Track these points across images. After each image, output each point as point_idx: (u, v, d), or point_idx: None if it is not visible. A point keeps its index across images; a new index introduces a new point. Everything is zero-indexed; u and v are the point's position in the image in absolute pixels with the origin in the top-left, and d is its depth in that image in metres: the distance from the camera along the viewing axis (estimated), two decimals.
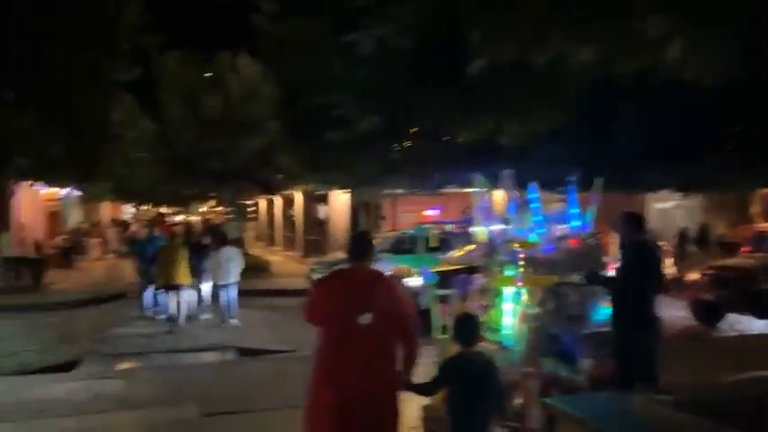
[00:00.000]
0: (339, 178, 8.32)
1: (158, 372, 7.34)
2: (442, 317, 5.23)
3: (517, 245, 5.13)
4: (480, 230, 5.69)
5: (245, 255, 19.17)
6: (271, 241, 29.80)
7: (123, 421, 5.48)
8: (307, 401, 3.33)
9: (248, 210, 19.24)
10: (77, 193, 24.80)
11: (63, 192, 23.73)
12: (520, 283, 5.01)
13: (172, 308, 10.19)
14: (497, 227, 5.51)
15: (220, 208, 43.92)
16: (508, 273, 5.16)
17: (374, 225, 19.68)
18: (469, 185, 6.23)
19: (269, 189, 17.44)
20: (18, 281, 15.58)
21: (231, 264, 10.56)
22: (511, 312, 5.11)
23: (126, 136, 8.61)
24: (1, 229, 18.90)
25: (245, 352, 8.90)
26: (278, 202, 27.36)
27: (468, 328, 3.44)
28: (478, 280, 5.52)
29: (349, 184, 8.62)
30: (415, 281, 6.86)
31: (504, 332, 5.12)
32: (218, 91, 14.61)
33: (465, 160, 7.55)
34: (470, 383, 3.28)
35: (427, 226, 6.28)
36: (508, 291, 5.14)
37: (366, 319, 3.28)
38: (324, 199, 20.72)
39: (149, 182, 11.99)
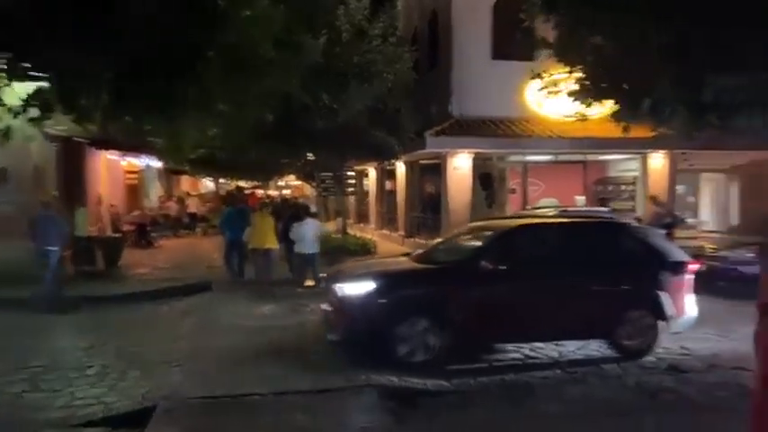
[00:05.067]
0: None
1: None
2: None
3: None
4: None
5: (345, 234, 16.45)
6: (361, 218, 26.90)
7: None
8: None
9: (348, 182, 16.10)
10: (158, 164, 22.76)
11: (143, 163, 21.72)
12: None
13: (257, 271, 11.34)
14: None
15: (299, 182, 41.79)
16: None
17: (500, 200, 16.22)
18: None
19: (385, 154, 14.22)
20: (91, 264, 13.29)
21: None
22: None
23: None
24: (76, 205, 16.93)
25: (391, 393, 5.77)
26: (371, 173, 24.30)
27: None
28: None
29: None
30: None
31: None
32: (320, 30, 11.40)
33: None
34: None
35: None
36: None
37: None
38: (434, 170, 17.40)
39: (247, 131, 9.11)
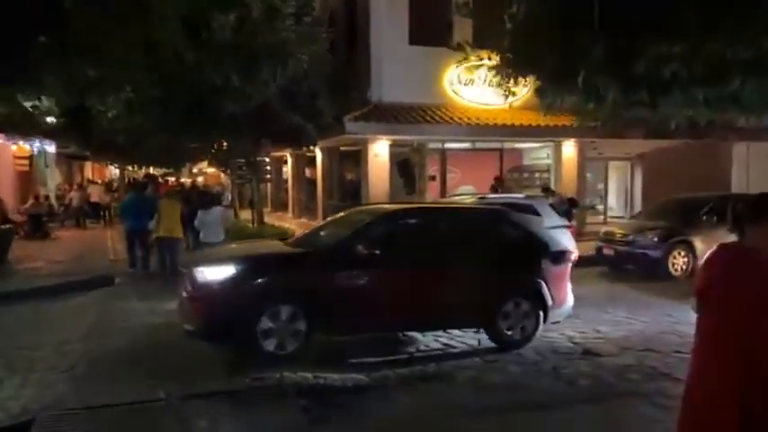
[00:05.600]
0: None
1: None
2: None
3: None
4: None
5: (262, 224, 15.85)
6: (279, 207, 26.17)
7: None
8: None
9: (265, 169, 15.50)
10: (51, 149, 21.01)
11: (35, 147, 19.96)
12: None
13: (162, 262, 10.70)
14: None
15: (213, 169, 40.13)
16: None
17: (420, 187, 16.12)
18: None
19: (302, 140, 13.68)
20: None
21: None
22: None
23: None
24: None
25: (305, 391, 5.43)
26: (289, 160, 23.62)
27: None
28: None
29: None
30: None
31: None
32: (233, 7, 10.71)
33: None
34: None
35: None
36: None
37: None
38: (353, 157, 17.09)
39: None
